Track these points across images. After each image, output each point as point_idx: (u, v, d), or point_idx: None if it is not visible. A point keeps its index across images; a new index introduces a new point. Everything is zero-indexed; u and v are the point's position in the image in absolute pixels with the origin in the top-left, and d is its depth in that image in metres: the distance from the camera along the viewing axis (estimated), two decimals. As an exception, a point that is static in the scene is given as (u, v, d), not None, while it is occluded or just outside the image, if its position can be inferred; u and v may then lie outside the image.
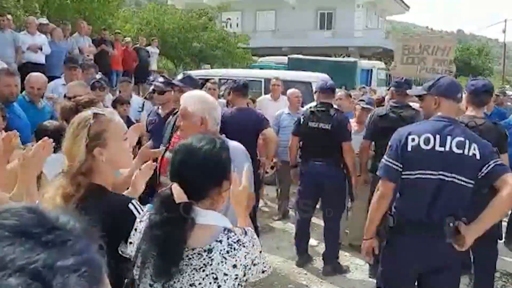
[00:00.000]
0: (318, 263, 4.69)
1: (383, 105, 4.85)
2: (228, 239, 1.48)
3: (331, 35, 31.01)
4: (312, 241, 4.97)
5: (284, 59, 20.23)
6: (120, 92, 7.13)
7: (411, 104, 4.37)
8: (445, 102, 2.65)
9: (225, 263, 1.45)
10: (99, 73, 7.76)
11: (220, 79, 8.50)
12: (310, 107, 4.63)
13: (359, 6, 31.27)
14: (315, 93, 4.87)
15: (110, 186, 1.89)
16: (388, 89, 5.40)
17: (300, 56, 19.43)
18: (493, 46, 71.35)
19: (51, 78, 8.17)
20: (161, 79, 4.67)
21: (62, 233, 0.61)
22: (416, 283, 2.72)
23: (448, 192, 2.49)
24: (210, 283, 1.44)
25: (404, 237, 2.60)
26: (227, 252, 1.46)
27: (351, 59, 19.94)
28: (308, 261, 4.71)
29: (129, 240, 1.60)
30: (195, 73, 9.86)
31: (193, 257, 1.46)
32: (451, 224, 2.44)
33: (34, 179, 2.13)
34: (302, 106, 5.67)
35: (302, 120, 4.49)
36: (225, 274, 1.44)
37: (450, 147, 2.50)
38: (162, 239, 1.43)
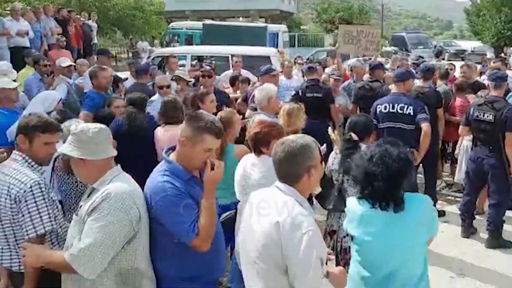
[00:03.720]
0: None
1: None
2: None
3: (232, -2, 32.57)
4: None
5: (195, 24, 21.48)
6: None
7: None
8: (396, 84, 5.23)
9: None
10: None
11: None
12: (303, 83, 6.76)
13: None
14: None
15: None
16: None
17: (215, 22, 20.86)
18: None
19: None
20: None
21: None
22: None
23: (399, 132, 4.91)
24: None
25: None
26: None
27: (261, 24, 21.73)
28: None
29: (332, 162, 3.71)
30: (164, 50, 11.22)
31: None
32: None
33: None
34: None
35: (300, 92, 6.56)
36: None
37: (397, 110, 5.06)
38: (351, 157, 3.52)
